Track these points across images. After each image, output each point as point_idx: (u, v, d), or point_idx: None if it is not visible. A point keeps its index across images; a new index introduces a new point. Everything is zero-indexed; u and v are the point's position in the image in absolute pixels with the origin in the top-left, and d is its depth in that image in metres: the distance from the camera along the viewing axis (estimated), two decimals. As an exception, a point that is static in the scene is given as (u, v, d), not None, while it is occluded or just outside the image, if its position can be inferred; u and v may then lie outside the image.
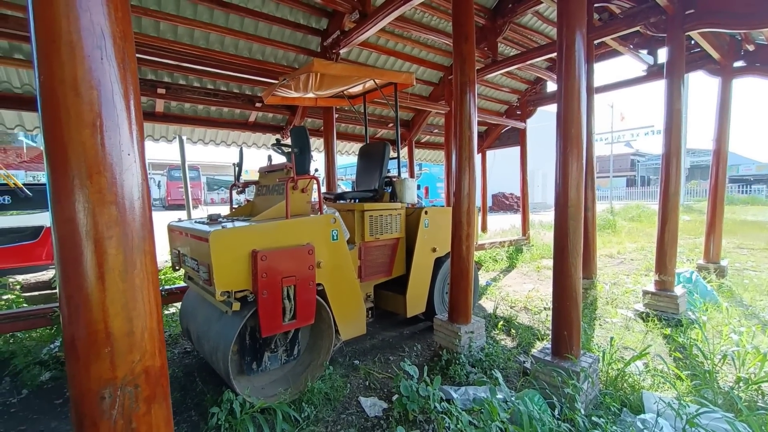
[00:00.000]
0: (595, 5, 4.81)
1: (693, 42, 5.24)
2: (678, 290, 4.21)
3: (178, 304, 4.24)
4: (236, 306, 2.46)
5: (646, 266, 6.81)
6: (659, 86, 4.38)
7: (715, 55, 5.18)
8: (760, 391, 2.62)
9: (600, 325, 4.11)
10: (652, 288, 4.32)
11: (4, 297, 3.81)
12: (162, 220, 4.08)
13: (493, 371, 2.69)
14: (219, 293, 2.38)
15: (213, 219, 3.00)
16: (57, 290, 3.16)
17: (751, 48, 5.37)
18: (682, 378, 2.71)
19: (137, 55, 3.74)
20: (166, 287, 4.23)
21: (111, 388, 0.97)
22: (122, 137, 0.96)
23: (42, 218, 6.19)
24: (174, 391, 2.91)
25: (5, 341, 3.50)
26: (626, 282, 5.85)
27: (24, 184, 6.10)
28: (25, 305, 3.87)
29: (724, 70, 5.51)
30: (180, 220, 3.37)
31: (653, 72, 6.08)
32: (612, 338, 3.02)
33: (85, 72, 0.90)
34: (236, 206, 3.71)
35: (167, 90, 4.99)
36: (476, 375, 2.99)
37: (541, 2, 5.04)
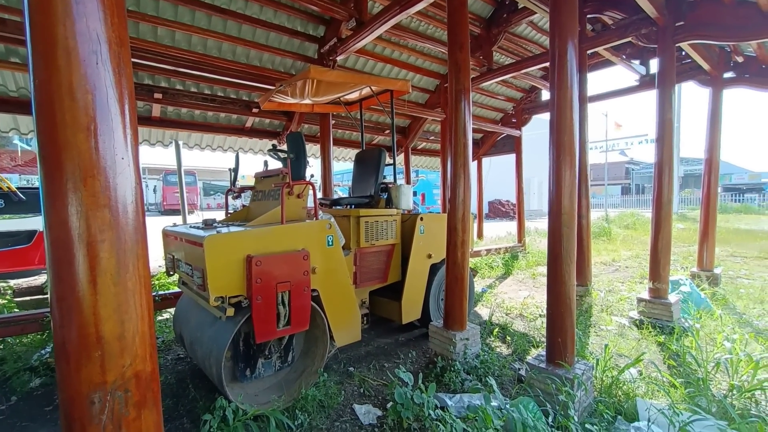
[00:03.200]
0: (588, 16, 4.91)
1: (684, 53, 5.34)
2: (672, 298, 4.23)
3: (172, 310, 4.20)
4: (230, 311, 2.44)
5: (641, 274, 6.84)
6: (652, 96, 4.45)
7: (705, 66, 5.28)
8: (753, 399, 2.63)
9: (595, 332, 4.12)
10: (646, 295, 4.35)
11: (-5, 302, 3.77)
12: (158, 225, 4.05)
13: (488, 378, 2.68)
14: (213, 298, 2.36)
15: (208, 224, 2.99)
16: (48, 295, 3.12)
17: (740, 59, 5.47)
18: (675, 385, 2.71)
19: (134, 60, 3.76)
20: (160, 292, 4.20)
21: (101, 393, 0.96)
22: (116, 141, 0.97)
23: (35, 222, 6.14)
24: (166, 398, 2.88)
25: (-6, 347, 3.45)
26: (621, 289, 5.88)
27: (18, 188, 6.07)
28: (16, 310, 3.83)
29: (714, 81, 5.61)
30: (175, 225, 3.35)
31: (645, 82, 6.19)
32: (606, 345, 3.02)
33: (81, 77, 0.91)
34: (232, 211, 3.70)
35: (164, 95, 5.01)
36: (471, 382, 2.98)
37: (536, 13, 5.12)
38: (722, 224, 13.42)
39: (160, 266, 5.19)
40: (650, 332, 3.94)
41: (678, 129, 22.05)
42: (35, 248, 6.12)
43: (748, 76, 5.45)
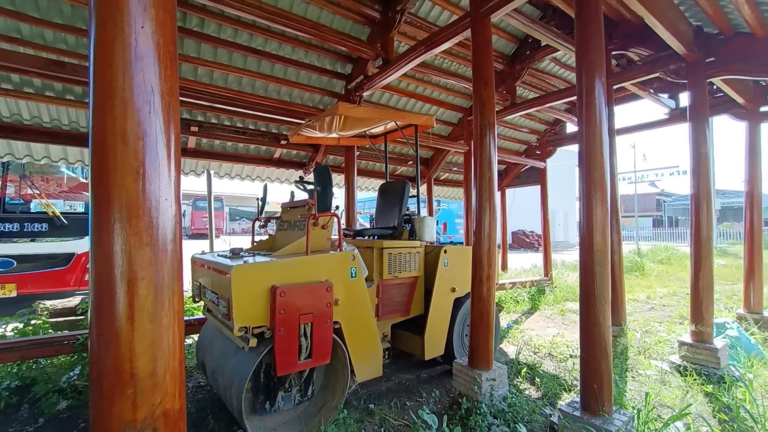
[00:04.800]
0: (613, 53, 4.92)
1: (715, 87, 5.22)
2: (718, 342, 3.92)
3: (196, 336, 4.25)
4: (253, 342, 2.44)
5: (680, 313, 6.41)
6: (683, 128, 4.33)
7: (739, 100, 5.14)
8: (820, 464, 2.34)
9: (632, 377, 3.84)
10: (688, 339, 4.05)
11: (32, 322, 3.92)
12: (185, 249, 4.16)
13: (517, 425, 2.52)
14: (237, 328, 2.38)
15: (235, 253, 3.06)
16: (83, 318, 3.22)
17: (778, 92, 5.30)
18: (728, 444, 2.46)
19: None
20: (186, 318, 4.26)
21: (131, 431, 0.97)
22: (162, 183, 1.02)
23: (74, 245, 6.48)
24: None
25: (28, 367, 3.56)
26: (659, 330, 5.51)
27: (61, 212, 6.47)
28: (50, 331, 3.97)
29: (750, 114, 5.43)
30: (203, 252, 3.45)
31: (675, 115, 6.06)
32: (647, 394, 2.80)
33: (134, 124, 0.99)
34: (257, 241, 3.78)
35: (200, 128, 5.30)
36: (499, 427, 2.81)
37: (558, 50, 5.19)
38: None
39: (185, 290, 5.31)
40: (695, 380, 3.63)
41: (712, 161, 21.24)
42: (72, 270, 6.42)
43: (788, 110, 5.25)
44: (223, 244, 8.46)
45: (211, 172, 6.57)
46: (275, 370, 2.47)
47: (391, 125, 4.33)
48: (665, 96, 5.87)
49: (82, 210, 6.90)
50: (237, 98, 5.03)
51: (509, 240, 21.47)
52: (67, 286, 6.37)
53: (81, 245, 6.48)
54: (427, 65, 5.59)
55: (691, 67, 4.09)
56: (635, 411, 2.68)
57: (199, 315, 4.68)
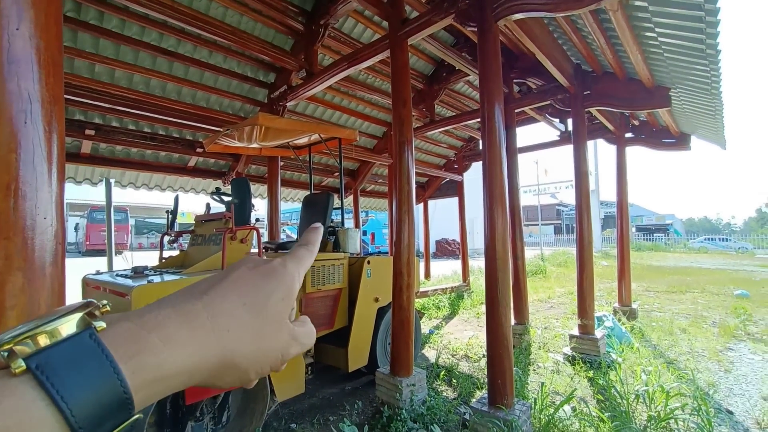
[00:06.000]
0: (515, 81, 5.58)
1: (593, 115, 6.22)
2: (598, 333, 4.60)
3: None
4: (158, 370, 2.23)
5: (572, 310, 7.36)
6: (571, 149, 5.04)
7: (610, 127, 6.19)
8: (668, 428, 2.88)
9: (534, 370, 4.31)
10: (576, 332, 4.68)
11: None
12: (78, 268, 3.65)
13: (432, 426, 2.67)
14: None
15: (138, 272, 2.78)
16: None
17: (636, 123, 6.50)
18: (604, 420, 2.90)
19: (66, 96, 3.51)
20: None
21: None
22: (39, 200, 0.92)
23: None
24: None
25: None
26: (556, 326, 6.26)
27: None
28: None
29: (618, 140, 6.56)
30: (98, 272, 3.06)
31: (565, 137, 7.05)
32: (543, 384, 3.18)
33: (6, 135, 0.88)
34: (166, 257, 3.47)
35: (97, 131, 4.72)
36: (418, 431, 2.94)
37: (469, 75, 5.73)
38: (637, 261, 15.06)
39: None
40: (581, 367, 4.21)
41: (597, 176, 25.00)
42: None
43: (644, 137, 6.46)
44: (125, 261, 7.53)
45: (112, 180, 5.84)
46: (183, 398, 2.29)
47: (315, 137, 4.34)
48: (557, 120, 6.81)
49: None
50: (144, 101, 4.61)
51: (433, 248, 22.59)
52: None
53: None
54: (351, 80, 5.73)
55: (573, 98, 4.83)
56: (532, 401, 3.02)
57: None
